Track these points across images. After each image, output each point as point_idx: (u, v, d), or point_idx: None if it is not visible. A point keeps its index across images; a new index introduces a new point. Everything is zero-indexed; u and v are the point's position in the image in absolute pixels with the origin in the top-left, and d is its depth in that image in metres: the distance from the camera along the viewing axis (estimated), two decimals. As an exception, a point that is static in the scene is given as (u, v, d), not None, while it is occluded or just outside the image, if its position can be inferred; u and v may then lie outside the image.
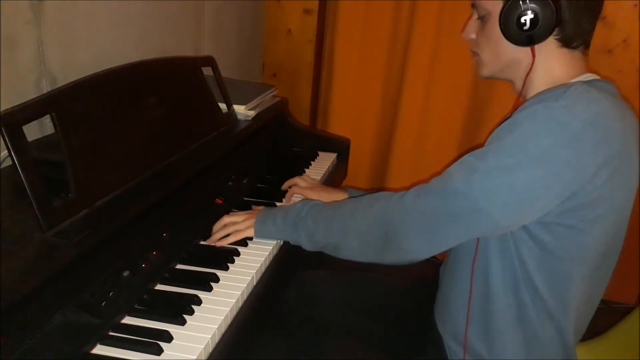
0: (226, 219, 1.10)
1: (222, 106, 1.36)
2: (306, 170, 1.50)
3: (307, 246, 1.02)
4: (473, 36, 0.98)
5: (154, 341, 0.77)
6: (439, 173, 0.89)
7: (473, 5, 0.96)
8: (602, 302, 1.00)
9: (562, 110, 0.78)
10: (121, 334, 0.79)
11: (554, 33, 0.87)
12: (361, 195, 1.14)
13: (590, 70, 0.93)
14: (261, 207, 1.16)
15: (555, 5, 0.85)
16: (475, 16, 0.97)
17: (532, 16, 0.85)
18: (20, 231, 0.79)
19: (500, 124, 0.96)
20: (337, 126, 2.19)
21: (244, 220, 1.08)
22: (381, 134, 2.23)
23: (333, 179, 1.54)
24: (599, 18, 0.90)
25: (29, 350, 0.68)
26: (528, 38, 0.87)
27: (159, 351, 0.76)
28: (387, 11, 2.05)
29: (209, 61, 1.38)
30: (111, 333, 0.79)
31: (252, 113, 1.43)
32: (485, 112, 1.98)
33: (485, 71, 0.98)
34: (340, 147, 1.69)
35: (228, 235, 1.06)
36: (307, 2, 2.22)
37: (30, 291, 0.69)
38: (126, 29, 1.35)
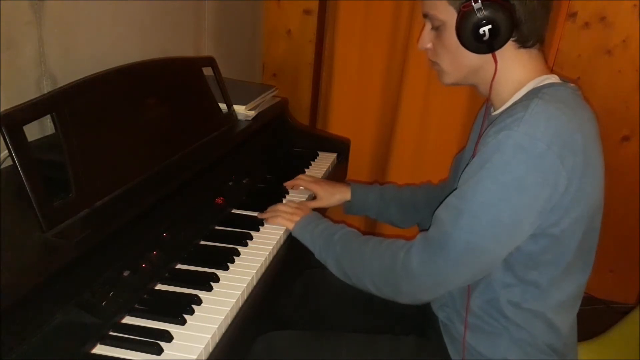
0: (280, 205, 1.17)
1: (223, 106, 1.36)
2: (306, 170, 1.50)
3: (334, 271, 1.04)
4: (429, 46, 0.97)
5: (154, 341, 0.77)
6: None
7: (426, 16, 0.95)
8: (602, 302, 1.00)
9: (523, 136, 0.80)
10: (121, 334, 0.79)
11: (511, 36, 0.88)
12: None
13: (546, 67, 0.94)
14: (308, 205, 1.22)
15: (509, 9, 0.85)
16: (428, 26, 0.97)
17: (489, 26, 0.85)
18: (20, 231, 0.79)
19: (473, 124, 1.05)
20: (337, 126, 2.19)
21: (292, 213, 1.14)
22: (381, 134, 2.23)
23: (333, 179, 1.52)
24: (550, 13, 0.91)
25: (29, 350, 0.68)
26: (488, 46, 0.88)
27: (159, 351, 0.76)
28: (387, 11, 2.05)
29: (209, 61, 1.38)
30: (111, 333, 0.79)
31: (252, 113, 1.43)
32: (485, 112, 1.98)
33: (448, 79, 0.98)
34: (340, 147, 1.69)
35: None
36: (307, 2, 2.22)
37: (30, 291, 0.69)
38: (126, 29, 1.35)
